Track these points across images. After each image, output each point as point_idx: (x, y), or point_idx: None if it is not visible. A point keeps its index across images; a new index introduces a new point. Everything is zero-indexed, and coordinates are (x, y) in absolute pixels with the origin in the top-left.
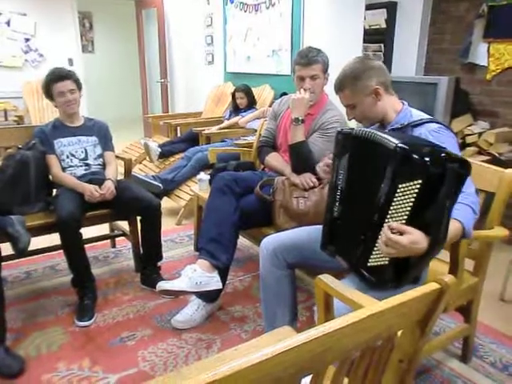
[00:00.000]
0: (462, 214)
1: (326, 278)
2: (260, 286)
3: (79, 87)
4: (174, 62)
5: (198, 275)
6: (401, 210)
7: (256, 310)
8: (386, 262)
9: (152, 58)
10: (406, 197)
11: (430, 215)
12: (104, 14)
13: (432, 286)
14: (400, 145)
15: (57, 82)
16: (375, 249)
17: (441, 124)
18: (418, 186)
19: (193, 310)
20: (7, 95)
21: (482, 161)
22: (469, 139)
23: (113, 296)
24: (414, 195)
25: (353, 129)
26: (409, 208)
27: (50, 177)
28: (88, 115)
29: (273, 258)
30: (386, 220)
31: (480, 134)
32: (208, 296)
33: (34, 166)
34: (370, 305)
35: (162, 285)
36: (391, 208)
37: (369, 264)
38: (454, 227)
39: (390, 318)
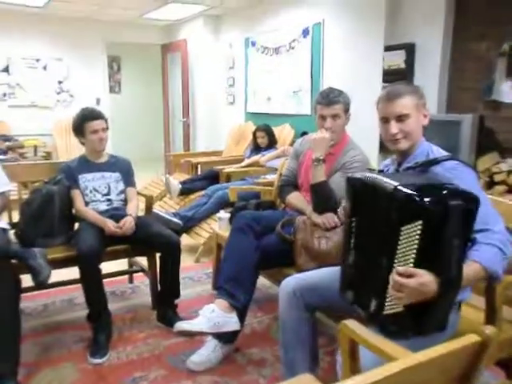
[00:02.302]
0: (482, 254)
1: (352, 324)
2: (279, 330)
3: (107, 126)
4: (196, 103)
5: (216, 315)
6: (407, 252)
7: (275, 354)
8: (401, 309)
9: (175, 99)
10: (410, 239)
11: (437, 256)
12: (132, 57)
13: (471, 338)
14: (398, 187)
15: (91, 120)
16: (388, 296)
17: (459, 161)
18: (420, 227)
19: (209, 351)
20: (38, 132)
21: None
22: (497, 177)
23: (128, 333)
24: (417, 237)
25: (360, 175)
26: (414, 250)
27: (74, 211)
28: (112, 152)
29: (292, 298)
30: (394, 264)
31: (509, 172)
32: (225, 337)
33: (58, 200)
34: (403, 356)
35: (180, 325)
36: (397, 252)
37: (384, 312)
38: (471, 268)
39: (426, 373)
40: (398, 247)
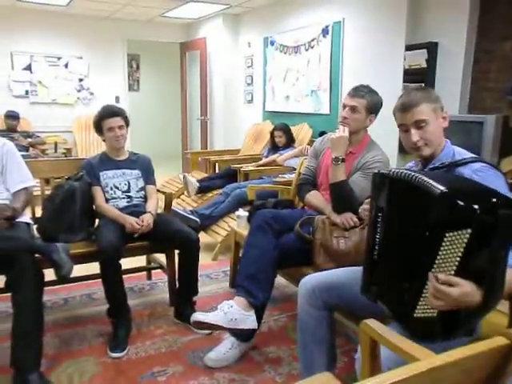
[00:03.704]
0: None
1: (373, 323)
2: (297, 327)
3: (127, 124)
4: (215, 101)
5: (233, 311)
6: (449, 259)
7: (291, 352)
8: (435, 315)
9: (193, 97)
10: (455, 246)
11: (482, 266)
12: (151, 55)
13: (499, 341)
14: (445, 190)
15: (108, 118)
16: (421, 299)
17: (486, 163)
18: (468, 236)
19: (226, 349)
20: (59, 129)
21: None
22: None
23: (146, 329)
24: (464, 245)
25: (391, 170)
26: (458, 258)
27: (94, 207)
28: (130, 149)
29: (311, 297)
30: (433, 269)
31: None
32: (242, 335)
33: (80, 196)
34: (425, 357)
35: (196, 316)
36: (438, 257)
37: (415, 315)
38: (509, 277)
39: (451, 374)
40: (440, 253)
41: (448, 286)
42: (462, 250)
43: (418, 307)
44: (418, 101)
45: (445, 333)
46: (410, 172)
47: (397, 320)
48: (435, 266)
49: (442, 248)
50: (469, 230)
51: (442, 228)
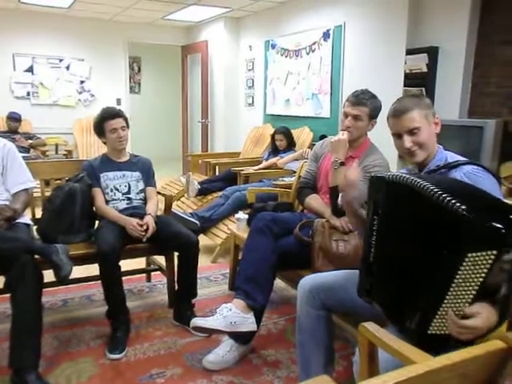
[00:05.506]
0: None
1: (372, 326)
2: (296, 328)
3: (128, 125)
4: (215, 104)
5: (232, 315)
6: (470, 279)
7: (290, 356)
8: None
9: (194, 100)
10: (478, 267)
11: (498, 283)
12: (152, 58)
13: (496, 345)
14: (463, 207)
15: (110, 119)
16: (437, 317)
17: (479, 166)
18: (493, 257)
19: (225, 351)
20: (60, 131)
21: None
22: None
23: (145, 331)
24: (488, 266)
25: (387, 173)
26: (481, 279)
27: (94, 209)
28: (131, 151)
29: (309, 297)
30: (451, 289)
31: None
32: (241, 337)
33: (80, 197)
34: (423, 360)
35: (195, 322)
36: (457, 277)
37: (429, 332)
38: None
39: (448, 378)
40: (459, 272)
41: (469, 318)
42: (485, 271)
43: (433, 324)
44: (409, 107)
45: (458, 344)
46: (406, 175)
47: (407, 335)
48: (454, 285)
49: (461, 268)
50: (494, 252)
51: (463, 248)
